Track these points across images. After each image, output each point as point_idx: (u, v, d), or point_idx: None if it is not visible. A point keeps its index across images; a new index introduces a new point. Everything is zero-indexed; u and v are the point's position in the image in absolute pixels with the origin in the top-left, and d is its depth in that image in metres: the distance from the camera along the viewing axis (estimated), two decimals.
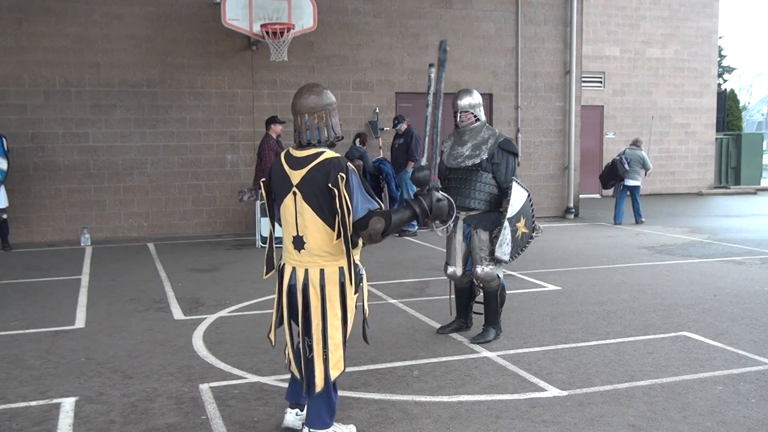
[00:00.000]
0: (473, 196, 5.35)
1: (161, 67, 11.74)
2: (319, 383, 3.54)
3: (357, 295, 3.63)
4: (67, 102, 11.36)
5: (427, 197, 3.67)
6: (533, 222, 5.41)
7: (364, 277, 3.71)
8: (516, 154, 5.44)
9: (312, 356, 3.57)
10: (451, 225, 5.07)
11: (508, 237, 5.25)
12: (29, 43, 11.12)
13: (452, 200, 3.79)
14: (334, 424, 3.71)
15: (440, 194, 3.71)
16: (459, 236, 5.53)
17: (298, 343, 3.69)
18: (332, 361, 3.53)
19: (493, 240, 5.31)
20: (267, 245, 3.82)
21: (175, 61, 11.80)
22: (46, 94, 11.26)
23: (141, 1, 11.59)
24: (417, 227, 11.81)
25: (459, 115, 5.46)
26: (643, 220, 13.12)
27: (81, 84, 11.40)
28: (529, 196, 5.36)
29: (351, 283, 3.53)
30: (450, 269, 5.62)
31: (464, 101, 5.43)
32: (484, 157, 5.34)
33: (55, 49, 11.23)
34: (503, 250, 5.27)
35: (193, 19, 11.82)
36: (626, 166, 12.82)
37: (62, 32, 11.26)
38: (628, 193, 13.07)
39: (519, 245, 5.35)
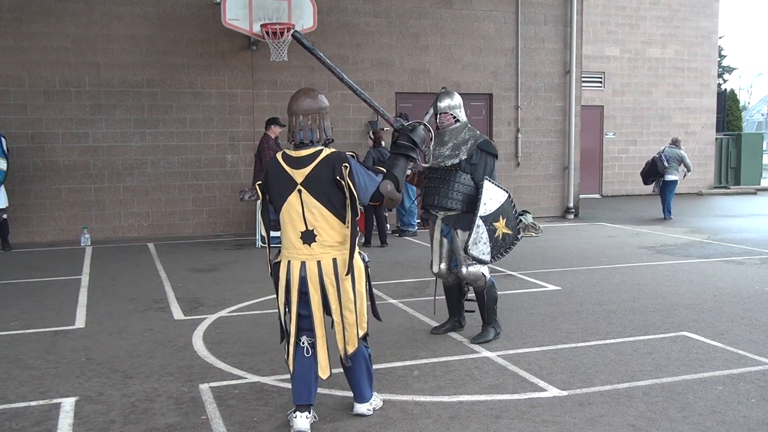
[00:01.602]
0: (451, 196, 5.35)
1: (161, 67, 11.74)
2: (350, 348, 3.83)
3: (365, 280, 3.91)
4: (67, 102, 11.36)
5: (403, 135, 4.13)
6: (518, 224, 5.42)
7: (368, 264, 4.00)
8: (495, 155, 5.46)
9: (335, 330, 3.85)
10: (430, 148, 5.16)
11: (484, 236, 5.23)
12: (29, 43, 11.12)
13: (421, 122, 4.23)
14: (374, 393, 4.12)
15: (408, 124, 4.18)
16: (437, 235, 5.55)
17: (302, 341, 3.87)
18: (360, 324, 3.84)
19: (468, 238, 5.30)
20: (269, 246, 3.99)
21: (175, 61, 11.80)
22: (46, 94, 11.26)
23: (141, 1, 11.59)
24: (417, 227, 11.82)
25: (438, 117, 5.53)
26: (672, 217, 13.68)
27: (81, 84, 11.40)
28: (509, 197, 5.34)
29: (345, 267, 3.76)
30: (434, 267, 5.66)
31: (443, 103, 5.49)
32: (463, 157, 5.36)
33: (55, 49, 11.23)
34: (480, 249, 5.23)
35: (193, 19, 11.82)
36: (665, 163, 13.42)
37: (62, 32, 11.26)
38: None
39: (502, 246, 5.29)
